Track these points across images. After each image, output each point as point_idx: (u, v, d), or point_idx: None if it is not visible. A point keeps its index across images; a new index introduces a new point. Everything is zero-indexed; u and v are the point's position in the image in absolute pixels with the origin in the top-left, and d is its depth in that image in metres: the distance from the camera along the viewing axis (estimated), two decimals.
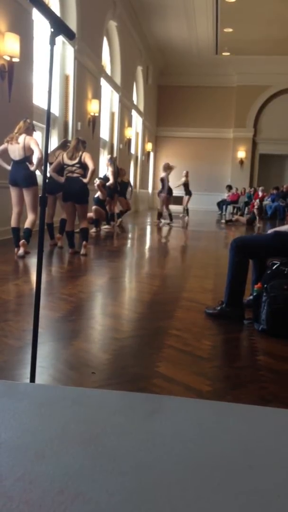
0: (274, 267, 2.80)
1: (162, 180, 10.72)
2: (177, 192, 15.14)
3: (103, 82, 10.68)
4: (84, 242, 5.35)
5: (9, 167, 4.93)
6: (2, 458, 0.66)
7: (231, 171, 17.68)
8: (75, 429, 0.75)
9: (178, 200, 16.30)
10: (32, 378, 1.70)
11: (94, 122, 9.97)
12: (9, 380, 1.86)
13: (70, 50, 8.54)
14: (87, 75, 9.45)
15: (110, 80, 11.43)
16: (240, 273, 2.95)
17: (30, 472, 0.62)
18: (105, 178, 8.56)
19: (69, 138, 8.02)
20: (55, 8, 8.19)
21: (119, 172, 9.15)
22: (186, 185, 12.75)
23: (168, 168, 10.70)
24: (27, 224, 4.97)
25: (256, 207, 12.53)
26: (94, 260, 5.29)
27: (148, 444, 0.71)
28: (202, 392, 1.87)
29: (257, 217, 12.14)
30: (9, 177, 4.94)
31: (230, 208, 15.53)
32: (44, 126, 4.66)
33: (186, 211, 12.94)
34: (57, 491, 0.58)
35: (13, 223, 5.02)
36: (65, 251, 5.55)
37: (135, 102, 14.85)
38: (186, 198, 12.91)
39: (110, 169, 8.66)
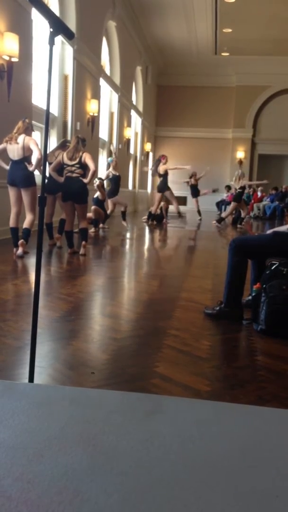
0: (273, 267, 2.80)
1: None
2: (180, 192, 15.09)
3: (102, 82, 10.68)
4: (83, 242, 5.36)
5: (7, 167, 4.93)
6: (0, 458, 0.66)
7: (230, 171, 17.68)
8: (73, 429, 0.75)
9: (179, 200, 16.29)
10: (31, 378, 1.70)
11: (93, 122, 9.97)
12: (7, 380, 1.86)
13: (69, 50, 8.54)
14: (86, 75, 9.45)
15: (109, 80, 11.43)
16: (239, 273, 2.95)
17: (28, 472, 0.63)
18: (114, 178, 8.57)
19: (68, 138, 8.02)
20: (54, 8, 8.19)
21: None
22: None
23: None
24: (25, 224, 4.97)
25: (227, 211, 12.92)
26: (93, 260, 5.29)
27: (147, 444, 0.71)
28: (200, 392, 1.87)
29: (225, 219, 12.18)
30: (7, 177, 4.94)
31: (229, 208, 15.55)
32: (43, 126, 4.66)
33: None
34: (56, 490, 0.58)
35: (11, 223, 5.02)
36: (64, 251, 5.55)
37: (134, 102, 14.85)
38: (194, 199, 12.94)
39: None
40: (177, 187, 17.48)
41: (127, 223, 8.97)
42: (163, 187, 10.16)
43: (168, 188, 10.35)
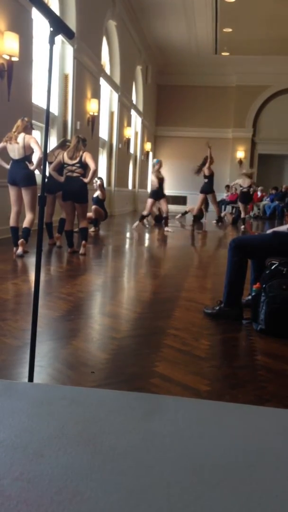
0: (272, 267, 2.80)
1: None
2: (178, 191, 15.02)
3: (102, 82, 10.68)
4: (83, 242, 5.36)
5: (8, 166, 4.93)
6: (0, 457, 0.66)
7: (230, 171, 17.68)
8: (73, 428, 0.75)
9: (179, 200, 16.25)
10: (31, 378, 1.70)
11: (93, 121, 9.97)
12: (7, 380, 1.86)
13: (69, 50, 8.54)
14: (87, 74, 9.44)
15: (109, 79, 11.42)
16: (238, 272, 2.95)
17: (28, 471, 0.63)
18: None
19: (68, 137, 8.02)
20: (55, 7, 8.18)
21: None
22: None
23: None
24: (25, 224, 4.97)
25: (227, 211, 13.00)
26: (93, 259, 5.29)
27: (147, 444, 0.71)
28: (200, 391, 1.87)
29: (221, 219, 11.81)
30: (8, 176, 4.93)
31: (229, 208, 15.55)
32: (43, 125, 4.65)
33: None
34: (55, 490, 0.58)
35: (12, 223, 5.02)
36: (64, 251, 5.55)
37: (134, 102, 14.84)
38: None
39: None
40: (177, 186, 17.53)
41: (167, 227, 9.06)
42: (209, 188, 9.99)
43: (212, 191, 10.14)
